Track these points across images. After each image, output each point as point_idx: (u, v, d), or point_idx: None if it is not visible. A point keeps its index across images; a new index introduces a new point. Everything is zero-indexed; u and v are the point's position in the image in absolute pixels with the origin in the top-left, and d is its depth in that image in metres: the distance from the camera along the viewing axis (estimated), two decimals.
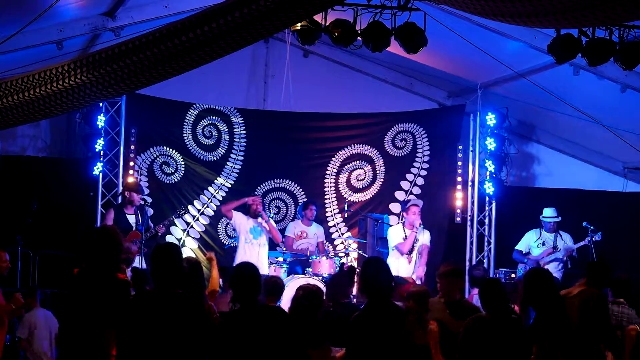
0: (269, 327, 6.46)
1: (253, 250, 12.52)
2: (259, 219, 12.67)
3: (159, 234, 12.30)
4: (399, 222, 13.30)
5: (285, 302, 11.68)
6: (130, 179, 13.28)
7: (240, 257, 12.22)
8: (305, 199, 14.21)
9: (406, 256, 12.44)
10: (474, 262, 14.32)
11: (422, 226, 12.56)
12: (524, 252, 13.24)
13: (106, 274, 6.47)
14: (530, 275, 7.32)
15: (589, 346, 7.21)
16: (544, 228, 13.20)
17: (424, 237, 12.66)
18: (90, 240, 6.65)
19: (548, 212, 13.22)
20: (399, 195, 14.50)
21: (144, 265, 11.68)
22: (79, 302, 6.48)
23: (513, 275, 13.01)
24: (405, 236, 12.49)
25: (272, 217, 13.08)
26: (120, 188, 13.42)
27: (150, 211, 12.95)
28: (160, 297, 6.22)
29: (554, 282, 7.39)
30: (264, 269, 12.34)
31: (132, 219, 12.18)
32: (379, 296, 6.62)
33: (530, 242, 13.23)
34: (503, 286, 7.17)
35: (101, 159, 13.38)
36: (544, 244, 13.09)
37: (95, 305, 6.39)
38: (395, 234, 12.68)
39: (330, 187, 14.56)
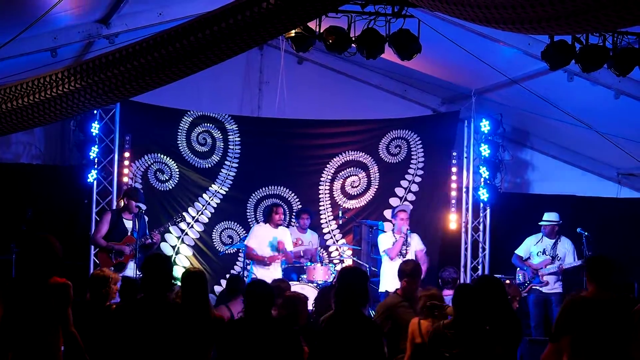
0: (272, 339, 6.51)
1: (272, 266, 12.49)
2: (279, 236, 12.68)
3: (155, 242, 12.26)
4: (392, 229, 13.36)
5: None
6: (131, 186, 13.32)
7: (259, 272, 12.21)
8: (300, 206, 14.23)
9: (399, 260, 12.46)
10: (469, 269, 14.33)
11: (409, 231, 12.62)
12: (524, 258, 13.17)
13: (39, 280, 6.47)
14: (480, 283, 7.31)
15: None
16: (543, 233, 13.16)
17: (415, 241, 12.71)
18: (22, 249, 6.69)
19: (545, 216, 13.12)
20: (394, 201, 14.49)
21: (136, 271, 11.69)
22: (13, 309, 6.50)
23: (507, 282, 13.00)
24: (396, 240, 12.57)
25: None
26: (115, 195, 13.45)
27: (145, 218, 12.93)
28: (150, 306, 6.25)
29: (505, 291, 7.33)
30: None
31: (129, 224, 12.15)
32: (347, 304, 6.71)
33: (531, 248, 13.08)
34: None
35: (95, 167, 13.36)
36: (544, 252, 12.94)
37: (30, 311, 6.43)
38: (384, 240, 12.81)
39: (325, 193, 14.56)
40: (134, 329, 6.18)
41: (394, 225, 13.01)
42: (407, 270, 8.62)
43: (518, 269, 13.10)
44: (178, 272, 13.47)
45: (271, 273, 12.22)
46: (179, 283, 7.75)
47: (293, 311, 7.69)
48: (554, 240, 12.99)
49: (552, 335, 6.97)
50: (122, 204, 12.28)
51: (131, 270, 11.75)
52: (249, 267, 12.55)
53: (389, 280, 12.25)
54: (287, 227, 13.67)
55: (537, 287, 12.71)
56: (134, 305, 6.55)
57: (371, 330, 6.73)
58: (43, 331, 6.43)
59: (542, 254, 12.92)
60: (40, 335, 6.43)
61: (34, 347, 6.40)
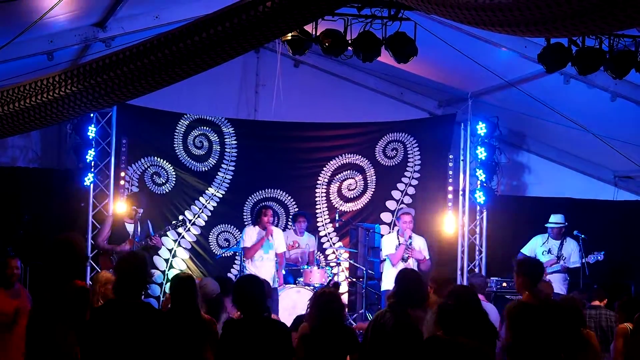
0: (268, 339, 6.53)
1: (264, 266, 12.36)
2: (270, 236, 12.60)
3: (155, 244, 12.28)
4: (390, 231, 13.34)
5: (281, 312, 11.74)
6: (131, 192, 13.37)
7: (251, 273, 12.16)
8: (297, 209, 14.22)
9: (402, 264, 12.40)
10: (465, 271, 14.33)
11: (411, 239, 12.50)
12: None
13: (63, 281, 6.47)
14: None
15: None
16: (549, 234, 13.19)
17: (420, 243, 12.61)
18: (49, 249, 6.70)
19: (552, 219, 13.19)
20: (390, 204, 14.50)
21: None
22: (39, 308, 6.51)
23: (504, 284, 13.01)
24: (399, 244, 12.48)
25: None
26: (112, 198, 13.47)
27: (149, 221, 12.91)
28: (122, 307, 6.25)
29: (479, 301, 7.36)
30: (275, 283, 12.30)
31: (130, 227, 12.20)
32: (400, 304, 6.94)
33: (537, 248, 13.14)
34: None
35: (92, 170, 13.35)
36: (549, 251, 13.01)
37: (54, 312, 6.42)
38: (388, 242, 12.65)
39: (322, 196, 14.56)
40: (108, 332, 6.18)
41: (396, 226, 12.95)
42: (437, 279, 8.96)
43: None
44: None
45: (266, 276, 12.19)
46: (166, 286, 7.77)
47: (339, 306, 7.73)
48: (560, 241, 13.06)
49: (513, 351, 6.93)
50: (125, 209, 12.34)
51: None
52: (246, 270, 12.53)
53: (391, 281, 12.25)
54: (284, 230, 13.66)
55: None
56: (108, 307, 6.55)
57: (413, 331, 6.91)
58: (59, 335, 6.42)
59: (548, 253, 13.00)
60: (56, 339, 6.41)
61: (49, 351, 6.39)
